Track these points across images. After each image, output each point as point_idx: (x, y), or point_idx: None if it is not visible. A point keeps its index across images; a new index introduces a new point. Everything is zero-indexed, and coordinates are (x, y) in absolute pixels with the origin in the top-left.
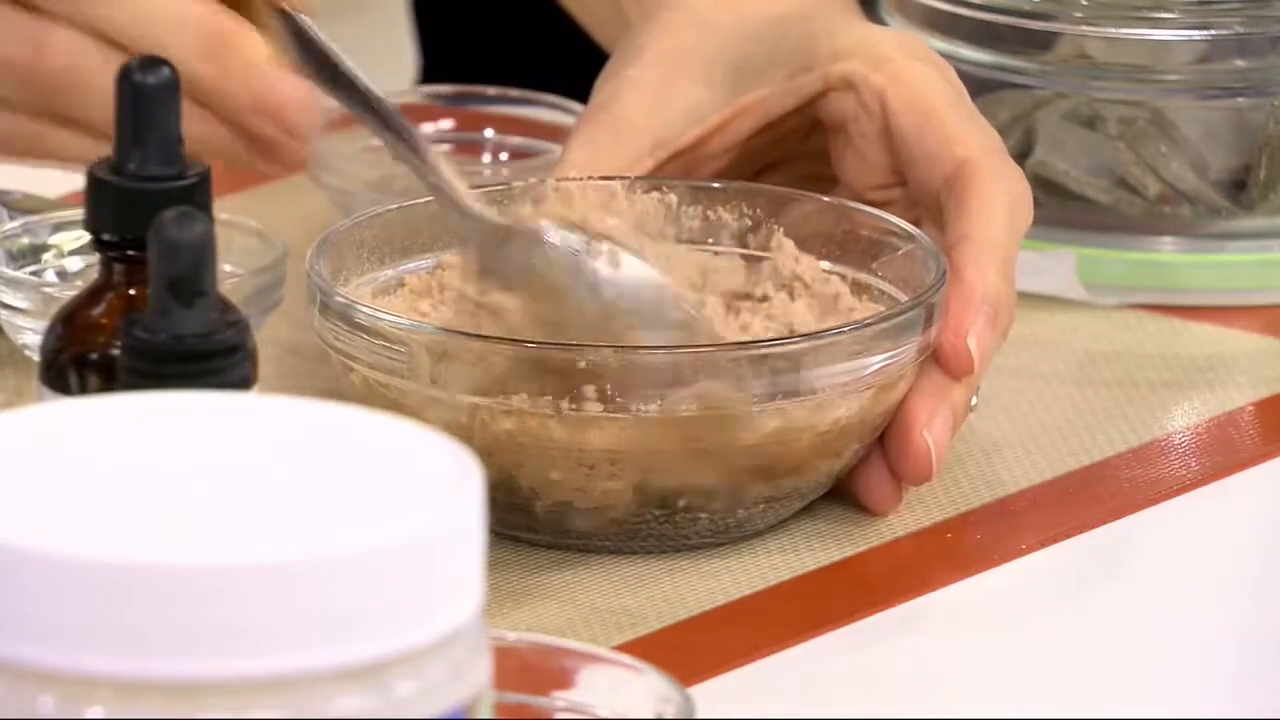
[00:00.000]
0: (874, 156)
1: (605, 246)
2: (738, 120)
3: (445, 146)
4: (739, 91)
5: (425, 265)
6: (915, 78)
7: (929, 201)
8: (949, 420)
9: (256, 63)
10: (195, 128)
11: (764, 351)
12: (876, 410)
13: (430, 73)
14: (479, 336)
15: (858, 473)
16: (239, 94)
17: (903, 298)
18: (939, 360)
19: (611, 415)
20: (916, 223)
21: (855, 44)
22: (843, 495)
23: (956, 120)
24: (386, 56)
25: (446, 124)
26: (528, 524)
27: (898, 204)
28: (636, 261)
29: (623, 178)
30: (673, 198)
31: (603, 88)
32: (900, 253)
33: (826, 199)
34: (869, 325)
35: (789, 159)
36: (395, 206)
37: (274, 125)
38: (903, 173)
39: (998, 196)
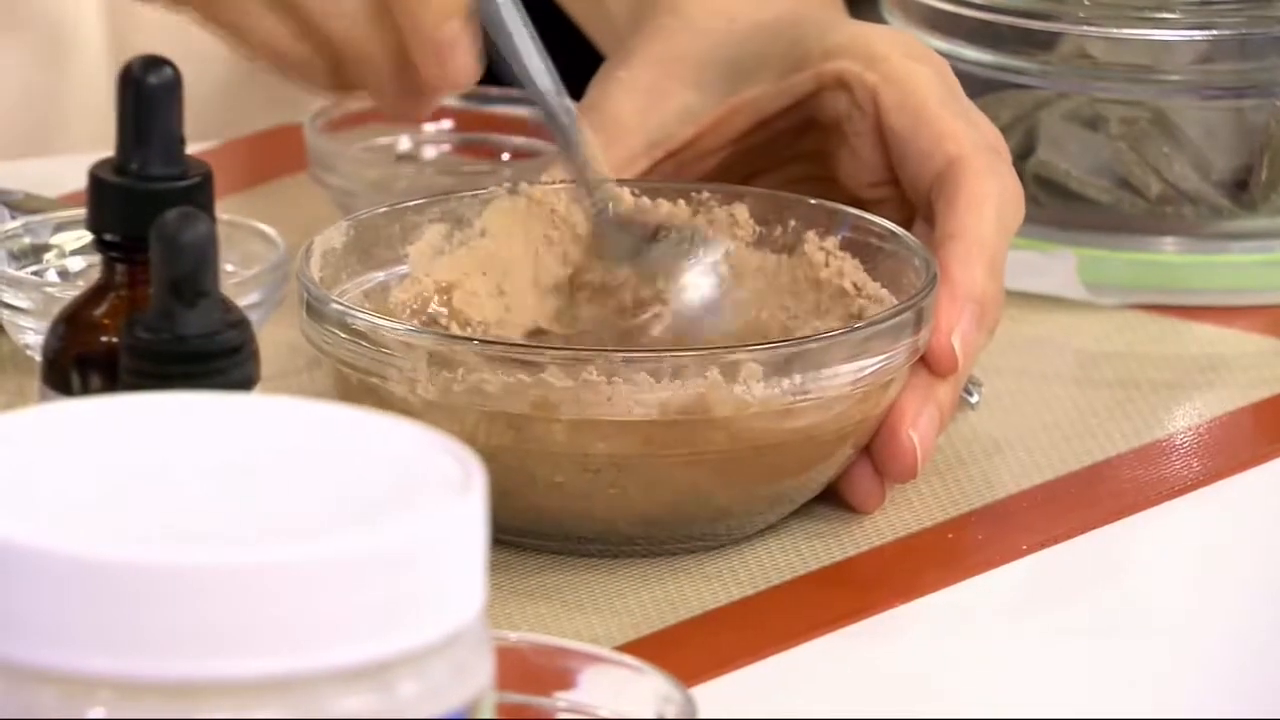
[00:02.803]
0: (868, 155)
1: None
2: (730, 119)
3: (446, 147)
4: (730, 93)
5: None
6: (908, 76)
7: (921, 200)
8: (935, 419)
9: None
10: (366, 44)
11: (759, 355)
12: (871, 413)
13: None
14: (480, 340)
15: (843, 471)
16: (423, 17)
17: (893, 300)
18: (924, 358)
19: (613, 419)
20: (910, 221)
21: (848, 42)
22: (841, 498)
23: (948, 118)
24: None
25: (446, 124)
26: (528, 529)
27: (892, 202)
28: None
29: (607, 180)
30: (646, 200)
31: (595, 89)
32: (890, 255)
33: (813, 201)
34: (860, 329)
35: (783, 161)
36: (387, 208)
37: (433, 64)
38: (895, 171)
39: (987, 195)
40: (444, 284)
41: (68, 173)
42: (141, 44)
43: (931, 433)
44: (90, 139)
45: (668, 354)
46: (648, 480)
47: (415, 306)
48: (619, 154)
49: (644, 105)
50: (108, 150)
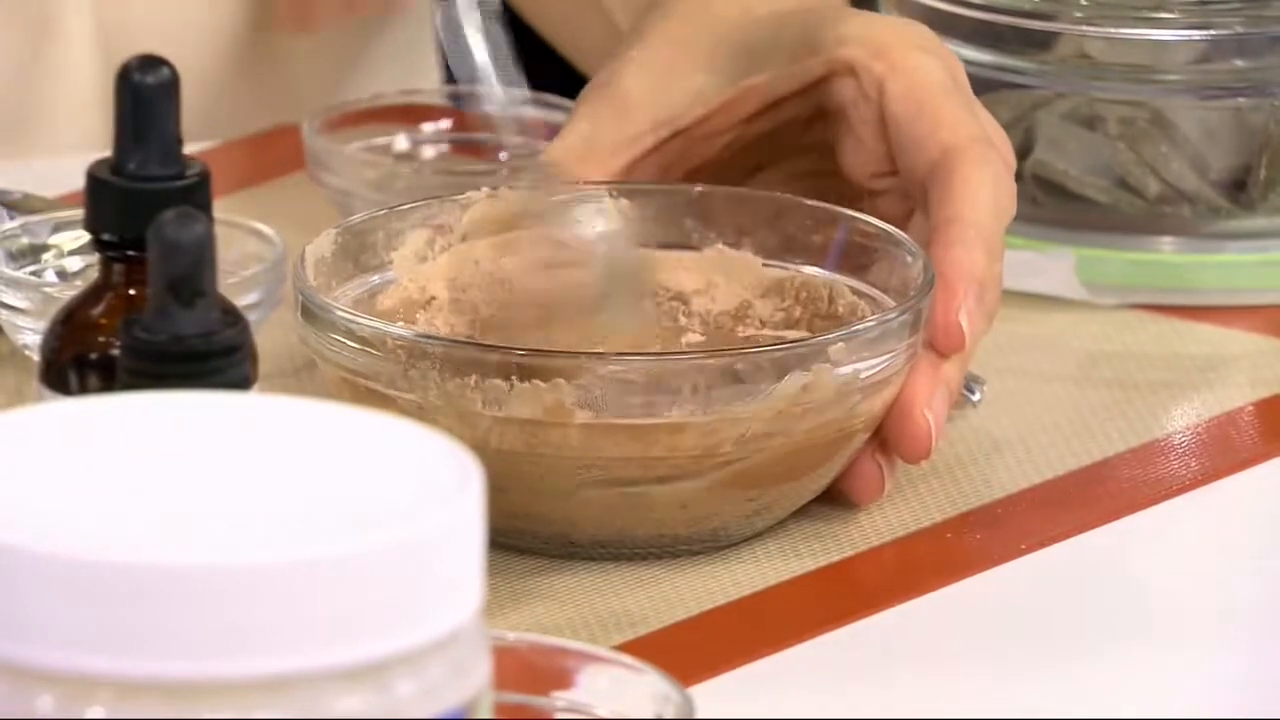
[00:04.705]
0: (872, 144)
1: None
2: (740, 101)
3: (445, 147)
4: (742, 77)
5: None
6: (914, 66)
7: (916, 188)
8: (946, 398)
9: None
10: None
11: (767, 357)
12: (871, 413)
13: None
14: (494, 347)
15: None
16: None
17: (889, 302)
18: (931, 338)
19: (626, 423)
20: (910, 214)
21: (859, 31)
22: (840, 497)
23: (949, 108)
24: (414, 61)
25: (446, 124)
26: (541, 533)
27: (895, 193)
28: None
29: (601, 183)
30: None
31: (607, 68)
32: (888, 256)
33: (810, 203)
34: (861, 331)
35: (790, 153)
36: (371, 214)
37: None
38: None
39: (983, 183)
40: (428, 290)
41: (66, 173)
42: (133, 33)
43: (944, 412)
44: (74, 121)
45: (676, 359)
46: (660, 485)
47: (401, 313)
48: (625, 130)
49: (655, 84)
50: (93, 138)
